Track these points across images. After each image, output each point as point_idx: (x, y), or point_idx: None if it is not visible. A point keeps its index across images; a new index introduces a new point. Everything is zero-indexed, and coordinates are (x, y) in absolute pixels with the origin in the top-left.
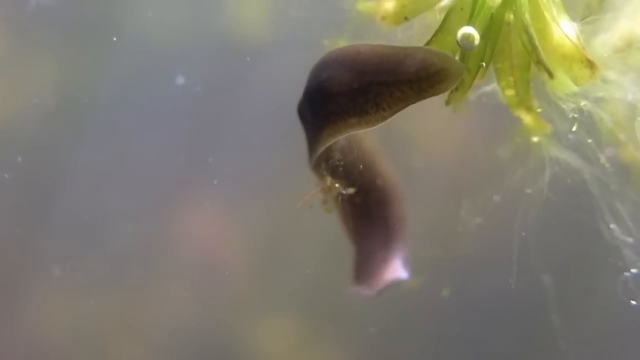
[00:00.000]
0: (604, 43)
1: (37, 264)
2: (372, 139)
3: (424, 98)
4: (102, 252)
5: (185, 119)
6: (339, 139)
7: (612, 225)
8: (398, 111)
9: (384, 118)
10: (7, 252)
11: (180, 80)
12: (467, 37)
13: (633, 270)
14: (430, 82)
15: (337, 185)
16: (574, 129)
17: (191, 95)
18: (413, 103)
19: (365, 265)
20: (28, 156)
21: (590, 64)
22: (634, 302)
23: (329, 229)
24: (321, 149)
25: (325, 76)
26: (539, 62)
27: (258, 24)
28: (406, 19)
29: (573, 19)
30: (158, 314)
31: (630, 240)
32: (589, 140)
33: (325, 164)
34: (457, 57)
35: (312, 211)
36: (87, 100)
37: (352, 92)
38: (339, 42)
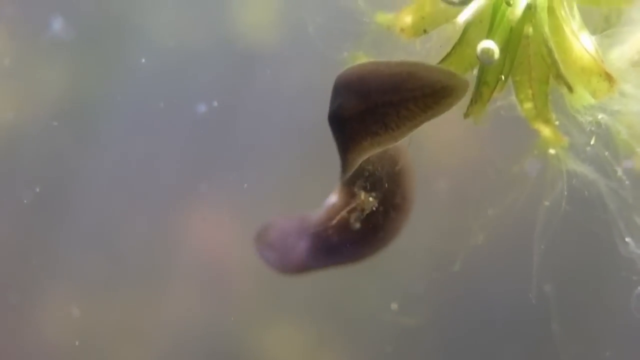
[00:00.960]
0: (621, 56)
1: (43, 264)
2: (397, 152)
3: (431, 116)
4: (110, 255)
5: (196, 124)
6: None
7: (627, 239)
8: (408, 131)
9: (395, 138)
10: (13, 252)
11: (193, 87)
12: (487, 52)
13: None
14: (435, 98)
15: (371, 199)
16: (591, 141)
17: (204, 102)
18: (421, 122)
19: (293, 235)
20: (40, 159)
21: (609, 78)
22: None
23: None
24: (350, 171)
25: (338, 103)
26: (559, 76)
27: (276, 36)
28: (425, 31)
29: (591, 32)
30: (165, 319)
31: None
32: (606, 153)
33: (359, 181)
34: (476, 70)
35: None
36: (99, 105)
37: (361, 115)
38: (358, 55)
